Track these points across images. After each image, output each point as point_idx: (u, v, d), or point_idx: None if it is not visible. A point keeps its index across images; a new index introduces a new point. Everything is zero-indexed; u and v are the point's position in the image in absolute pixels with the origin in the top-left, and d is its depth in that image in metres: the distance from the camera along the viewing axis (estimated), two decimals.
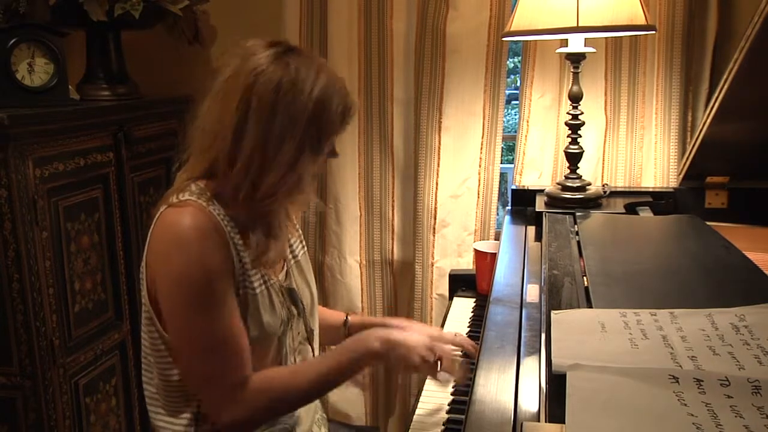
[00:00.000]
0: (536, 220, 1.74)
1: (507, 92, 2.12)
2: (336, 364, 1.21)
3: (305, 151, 1.15)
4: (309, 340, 1.34)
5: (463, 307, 1.74)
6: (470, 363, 1.26)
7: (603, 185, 1.88)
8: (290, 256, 1.34)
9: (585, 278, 1.21)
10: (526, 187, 1.97)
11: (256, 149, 1.13)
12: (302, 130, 1.14)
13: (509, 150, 2.89)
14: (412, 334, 1.25)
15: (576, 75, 1.76)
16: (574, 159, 1.82)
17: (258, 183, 1.14)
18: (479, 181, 2.11)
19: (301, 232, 1.42)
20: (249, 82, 1.12)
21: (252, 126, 1.12)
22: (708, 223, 1.49)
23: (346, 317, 1.49)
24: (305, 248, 1.41)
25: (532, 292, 1.29)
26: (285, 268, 1.31)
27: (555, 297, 1.15)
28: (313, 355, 1.35)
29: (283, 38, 1.20)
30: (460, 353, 1.33)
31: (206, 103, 1.17)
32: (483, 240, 2.11)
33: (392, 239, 2.19)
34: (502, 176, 2.31)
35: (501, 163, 2.12)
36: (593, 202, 1.78)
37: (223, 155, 1.14)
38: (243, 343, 1.16)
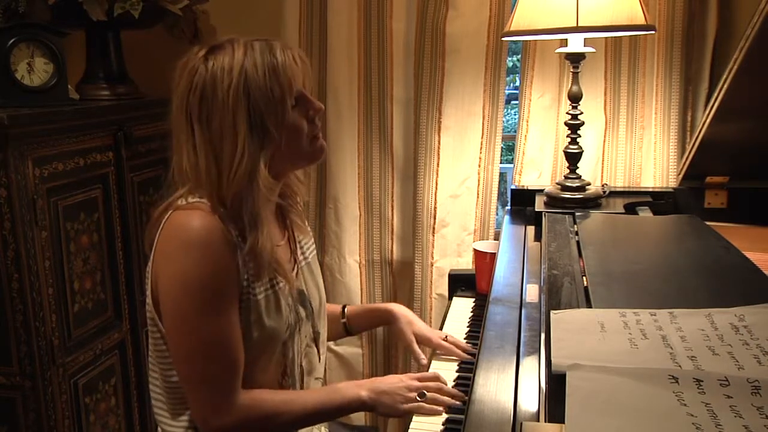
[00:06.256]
0: (536, 220, 1.74)
1: (506, 92, 2.12)
2: (323, 406, 1.24)
3: (248, 134, 1.14)
4: (315, 342, 1.34)
5: (462, 307, 1.74)
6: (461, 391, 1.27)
7: (602, 185, 1.88)
8: (301, 258, 1.33)
9: (584, 278, 1.21)
10: (525, 187, 1.97)
11: (209, 152, 1.15)
12: (238, 116, 1.14)
13: (509, 150, 2.89)
14: (392, 377, 1.28)
15: (575, 75, 1.76)
16: (573, 159, 1.82)
17: (223, 181, 1.15)
18: (479, 180, 2.11)
19: (311, 233, 1.42)
20: (186, 94, 1.19)
21: (198, 134, 1.17)
22: (707, 223, 1.49)
23: (343, 309, 1.56)
24: (315, 250, 1.41)
25: (532, 292, 1.29)
26: (295, 270, 1.31)
27: (554, 297, 1.14)
28: (319, 358, 1.35)
29: (229, 37, 1.21)
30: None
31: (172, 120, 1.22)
32: (482, 240, 2.11)
33: (392, 239, 2.19)
34: (502, 176, 2.31)
35: (500, 162, 2.12)
36: (593, 202, 1.78)
37: (189, 168, 1.17)
38: (238, 354, 1.16)
